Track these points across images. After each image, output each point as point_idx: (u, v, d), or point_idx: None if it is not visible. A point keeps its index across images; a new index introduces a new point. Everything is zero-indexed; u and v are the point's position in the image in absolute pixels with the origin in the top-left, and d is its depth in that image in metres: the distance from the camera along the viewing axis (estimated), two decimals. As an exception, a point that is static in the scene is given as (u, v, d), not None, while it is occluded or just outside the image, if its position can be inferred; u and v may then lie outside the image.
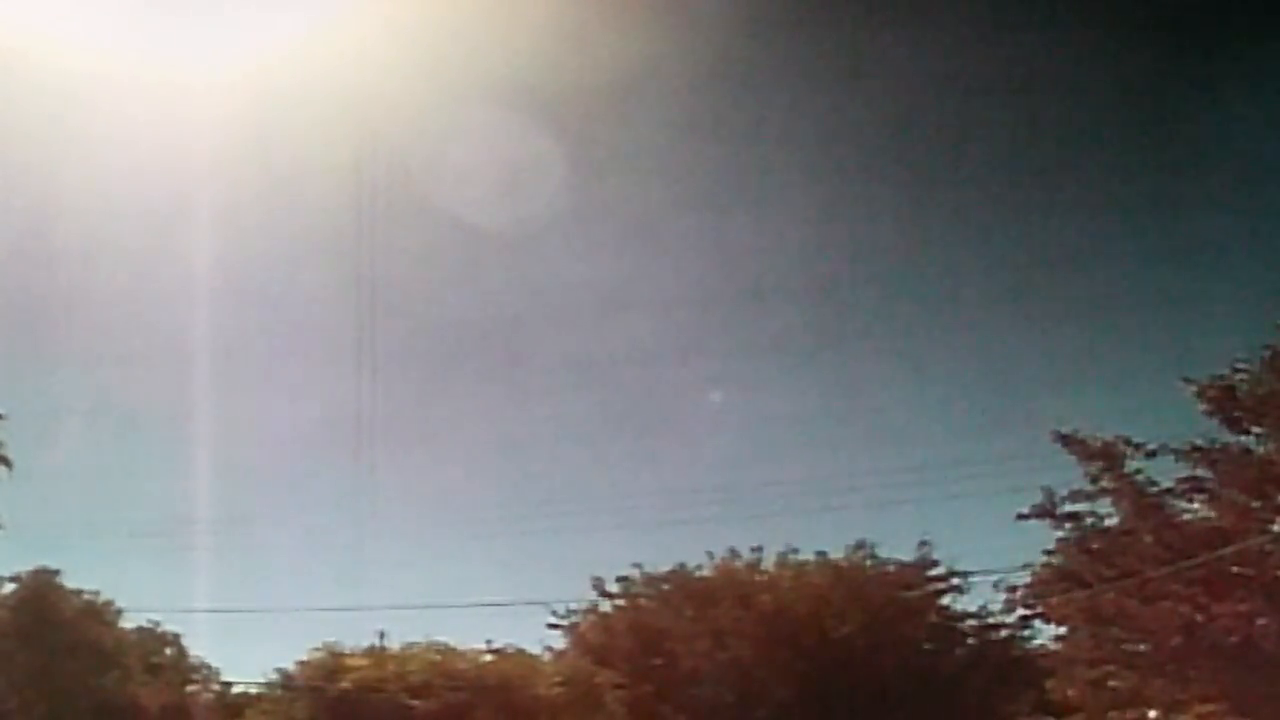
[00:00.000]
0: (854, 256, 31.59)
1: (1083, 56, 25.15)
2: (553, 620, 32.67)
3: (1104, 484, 21.95)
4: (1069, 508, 22.55)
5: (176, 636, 33.76)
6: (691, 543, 32.21)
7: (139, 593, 32.79)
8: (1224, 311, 27.00)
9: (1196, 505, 21.37)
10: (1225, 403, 20.56)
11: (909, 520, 31.84)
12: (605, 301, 32.27)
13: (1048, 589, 23.67)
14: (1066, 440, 22.08)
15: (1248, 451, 20.70)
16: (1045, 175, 28.57)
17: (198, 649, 34.12)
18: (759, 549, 31.16)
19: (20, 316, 30.45)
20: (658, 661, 30.68)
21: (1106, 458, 21.76)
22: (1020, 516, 23.02)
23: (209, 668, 34.35)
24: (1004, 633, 30.05)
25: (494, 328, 33.75)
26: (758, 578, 31.13)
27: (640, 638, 31.02)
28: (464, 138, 24.31)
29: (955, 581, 30.25)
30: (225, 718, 33.40)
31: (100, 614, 31.11)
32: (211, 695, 34.36)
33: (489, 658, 31.48)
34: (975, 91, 26.38)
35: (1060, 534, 22.86)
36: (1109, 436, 21.86)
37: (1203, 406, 20.62)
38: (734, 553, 31.47)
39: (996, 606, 28.71)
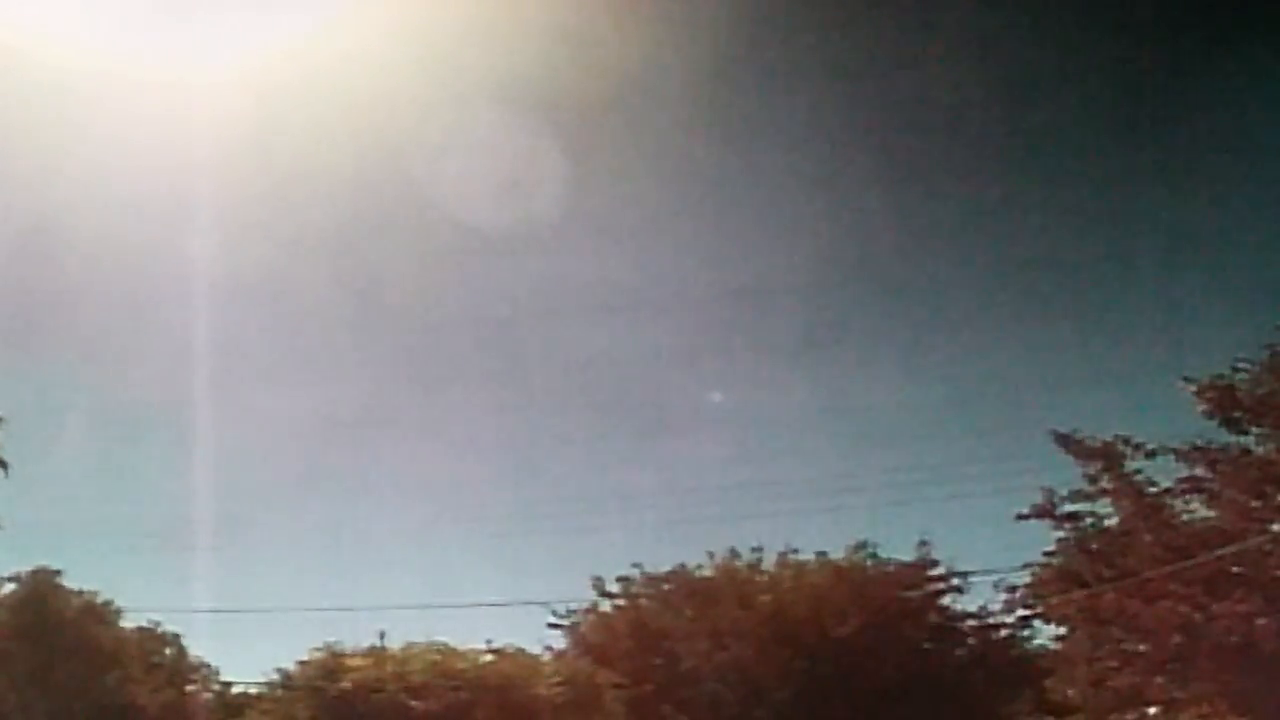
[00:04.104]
0: (854, 256, 31.62)
1: (1082, 56, 25.18)
2: (553, 620, 32.72)
3: (1104, 484, 21.99)
4: (1069, 508, 22.62)
5: (176, 636, 33.75)
6: (691, 543, 32.28)
7: (139, 593, 32.86)
8: (1224, 311, 27.02)
9: (1196, 505, 21.40)
10: (1225, 403, 20.58)
11: (909, 520, 31.87)
12: (605, 301, 32.27)
13: (1048, 589, 23.71)
14: (1066, 440, 22.11)
15: (1247, 451, 20.72)
16: (1045, 175, 28.59)
17: (198, 649, 34.15)
18: (759, 549, 31.20)
19: (20, 316, 30.46)
20: (658, 661, 30.67)
21: (1106, 458, 21.80)
22: (1020, 516, 23.08)
23: (209, 668, 34.37)
24: (1004, 633, 30.04)
25: (494, 328, 33.73)
26: (758, 578, 31.14)
27: (640, 638, 31.02)
28: (464, 138, 24.29)
29: (955, 581, 30.26)
30: (225, 718, 33.38)
31: (100, 614, 31.08)
32: (211, 695, 34.34)
33: (489, 658, 31.44)
34: (975, 91, 26.37)
35: (1060, 534, 22.92)
36: (1109, 436, 21.90)
37: (1202, 406, 20.64)
38: (734, 553, 31.49)
39: (996, 606, 28.76)
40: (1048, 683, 25.11)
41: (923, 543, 30.13)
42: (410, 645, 31.41)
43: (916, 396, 33.44)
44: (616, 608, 32.39)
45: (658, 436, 36.22)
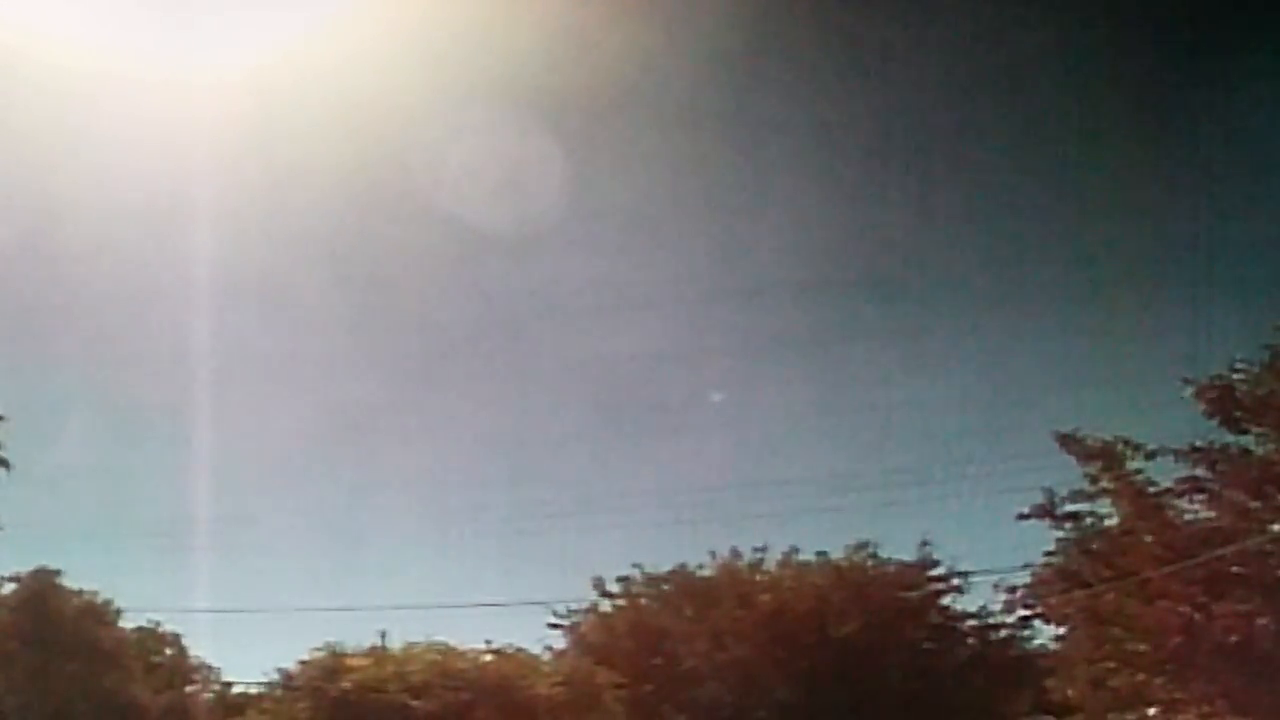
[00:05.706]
0: (854, 256, 31.55)
1: (1083, 55, 25.16)
2: (553, 620, 32.77)
3: (1104, 484, 21.98)
4: (1069, 508, 22.63)
5: (176, 636, 33.74)
6: (691, 543, 32.30)
7: (139, 593, 32.77)
8: (1224, 311, 26.97)
9: (1196, 505, 21.40)
10: (1225, 403, 20.57)
11: (909, 520, 31.80)
12: (605, 301, 32.24)
13: (1048, 589, 23.73)
14: (1066, 441, 22.10)
15: (1247, 452, 20.71)
16: (1046, 174, 28.58)
17: (198, 649, 34.15)
18: (761, 549, 31.23)
19: (20, 316, 30.44)
20: (658, 661, 30.72)
21: (1106, 458, 21.78)
22: (1020, 516, 23.10)
23: (209, 668, 34.36)
24: (1004, 633, 30.12)
25: (494, 328, 33.71)
26: (759, 578, 31.17)
27: (640, 638, 31.06)
28: (464, 138, 24.31)
29: (955, 581, 30.32)
30: (225, 717, 33.36)
31: (100, 614, 31.03)
32: (211, 695, 34.34)
33: (489, 658, 31.40)
34: (976, 90, 26.40)
35: (1060, 534, 22.94)
36: (1109, 437, 21.89)
37: (1202, 407, 20.64)
38: (735, 553, 31.52)
39: (996, 606, 28.79)
40: (1048, 683, 25.12)
41: (923, 543, 30.22)
42: (410, 645, 31.39)
43: (916, 396, 33.36)
44: (616, 608, 32.44)
45: (658, 436, 36.15)
